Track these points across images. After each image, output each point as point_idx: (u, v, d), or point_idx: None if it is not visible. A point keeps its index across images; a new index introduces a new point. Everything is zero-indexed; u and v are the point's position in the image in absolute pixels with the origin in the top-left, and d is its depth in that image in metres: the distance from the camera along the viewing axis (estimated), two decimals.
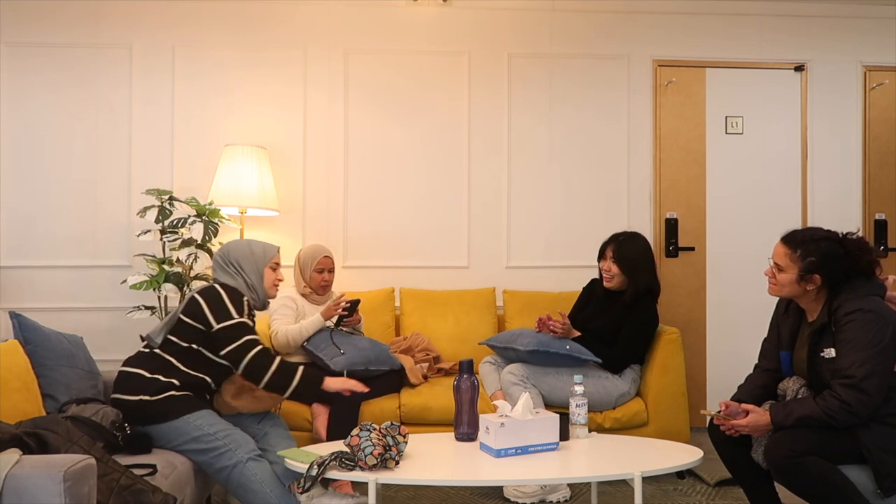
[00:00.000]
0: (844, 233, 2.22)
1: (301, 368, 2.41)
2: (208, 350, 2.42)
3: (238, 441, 2.31)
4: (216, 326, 2.37)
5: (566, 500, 2.85)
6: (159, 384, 2.34)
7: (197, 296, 2.42)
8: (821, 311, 2.19)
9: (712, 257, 4.10)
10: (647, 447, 2.38)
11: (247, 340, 2.36)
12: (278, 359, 2.38)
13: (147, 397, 2.31)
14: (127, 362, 2.43)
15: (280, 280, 2.65)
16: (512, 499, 2.84)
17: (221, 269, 2.55)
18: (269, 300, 2.65)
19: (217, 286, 2.45)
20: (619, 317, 3.06)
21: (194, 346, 2.41)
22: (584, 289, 3.35)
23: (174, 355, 2.39)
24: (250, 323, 2.44)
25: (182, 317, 2.41)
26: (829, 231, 2.23)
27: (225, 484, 2.33)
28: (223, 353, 2.37)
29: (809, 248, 2.18)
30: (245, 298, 2.47)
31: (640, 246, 3.14)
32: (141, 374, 2.36)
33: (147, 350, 2.44)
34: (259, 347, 2.37)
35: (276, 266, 2.63)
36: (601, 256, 3.18)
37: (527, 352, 2.95)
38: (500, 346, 3.11)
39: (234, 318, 2.38)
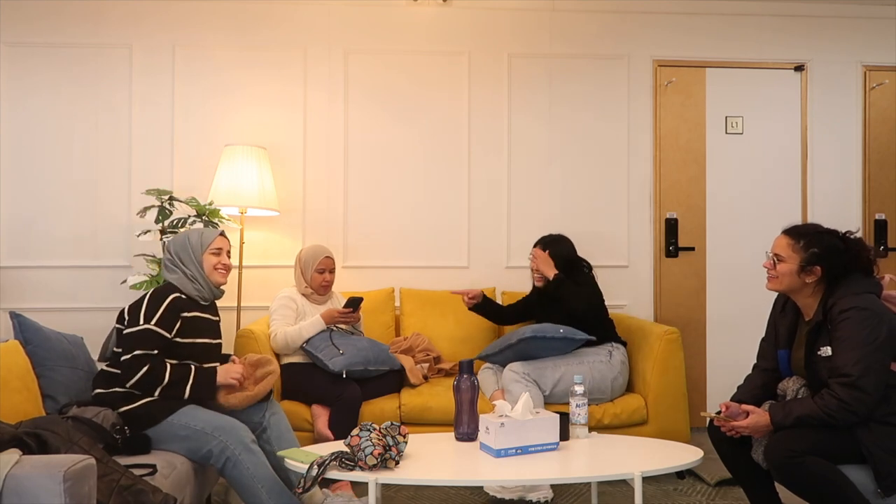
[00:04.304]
0: (845, 231, 2.24)
1: (192, 374, 2.34)
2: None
3: (228, 431, 2.28)
4: (124, 331, 2.34)
5: (546, 501, 2.84)
6: (124, 394, 2.32)
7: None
8: (816, 309, 2.20)
9: (712, 257, 4.10)
10: (647, 447, 2.38)
11: (134, 357, 2.28)
12: (167, 373, 2.30)
13: (126, 407, 2.30)
14: (94, 384, 2.41)
15: (224, 264, 2.55)
16: (491, 493, 2.84)
17: (165, 264, 2.55)
18: (222, 287, 2.57)
19: (149, 292, 2.42)
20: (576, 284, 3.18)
21: None
22: (528, 296, 3.51)
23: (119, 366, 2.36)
24: (155, 330, 2.32)
25: (117, 326, 2.42)
26: (829, 228, 2.26)
27: (222, 476, 2.33)
28: (121, 360, 2.31)
29: (812, 239, 2.20)
30: (172, 296, 2.40)
31: (556, 236, 3.36)
32: (104, 393, 2.34)
33: (104, 366, 2.45)
34: (146, 368, 2.27)
35: (217, 251, 2.54)
36: (531, 260, 3.36)
37: (524, 339, 2.97)
38: (496, 351, 3.11)
39: (138, 325, 2.32)
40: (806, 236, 2.22)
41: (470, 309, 3.45)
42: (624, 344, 3.23)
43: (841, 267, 2.17)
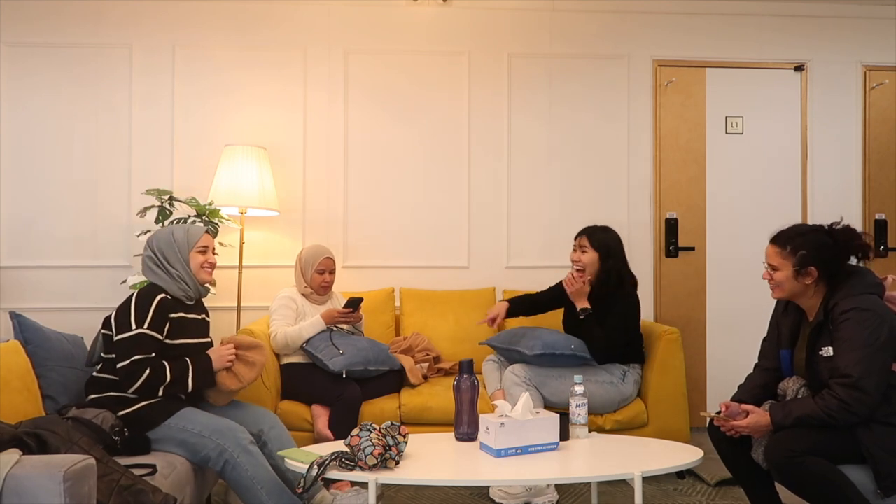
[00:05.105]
0: (830, 223, 2.24)
1: (191, 366, 2.35)
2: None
3: (226, 434, 2.28)
4: (115, 338, 2.31)
5: None
6: (119, 398, 2.31)
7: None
8: (818, 310, 2.20)
9: (712, 257, 4.10)
10: (647, 447, 2.38)
11: (134, 362, 2.26)
12: (168, 373, 2.29)
13: (125, 410, 2.28)
14: (87, 390, 2.39)
15: (211, 263, 2.52)
16: (497, 499, 2.83)
17: (146, 264, 2.47)
18: (208, 285, 2.54)
19: (134, 294, 2.38)
20: (601, 310, 3.04)
21: None
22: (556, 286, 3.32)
23: (112, 372, 2.34)
24: (149, 333, 2.31)
25: (104, 332, 2.40)
26: (814, 225, 2.26)
27: (222, 479, 2.32)
28: (117, 367, 2.28)
29: (798, 242, 2.20)
30: (158, 297, 2.36)
31: (612, 235, 3.15)
32: (100, 398, 2.33)
33: (95, 372, 2.41)
34: (147, 372, 2.26)
35: (204, 249, 2.50)
36: (573, 249, 3.17)
37: (533, 356, 2.93)
38: (503, 346, 3.10)
39: (131, 330, 2.29)
40: (791, 240, 2.21)
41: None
42: (642, 362, 3.15)
43: (835, 261, 2.17)
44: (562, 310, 3.33)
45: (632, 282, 3.13)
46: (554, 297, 3.32)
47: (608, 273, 3.07)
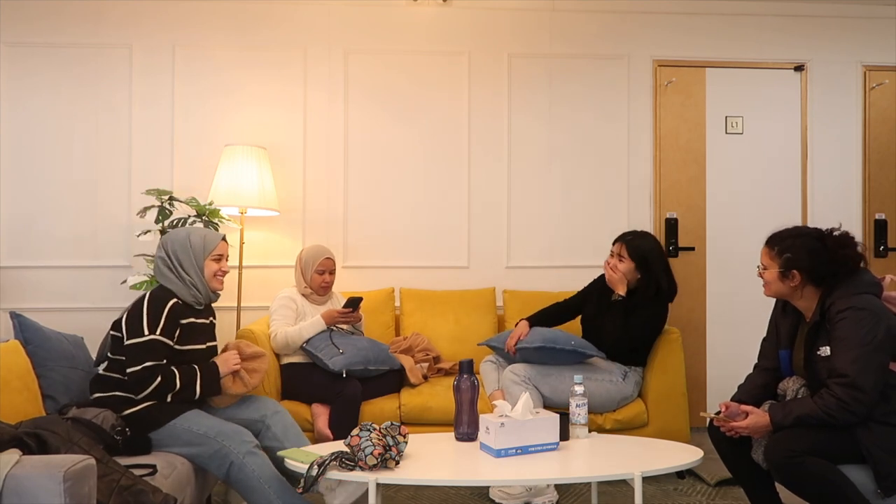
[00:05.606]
0: (829, 229, 2.24)
1: (199, 373, 2.36)
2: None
3: (231, 436, 2.28)
4: (126, 342, 2.31)
5: None
6: (125, 398, 2.32)
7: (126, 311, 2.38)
8: (815, 310, 2.20)
9: (712, 257, 4.10)
10: (647, 447, 2.38)
11: (145, 368, 2.27)
12: (177, 380, 2.31)
13: (130, 409, 2.29)
14: (92, 388, 2.39)
15: (224, 272, 2.52)
16: (497, 500, 2.83)
17: (158, 266, 2.45)
18: (218, 292, 2.53)
19: (146, 297, 2.37)
20: (630, 305, 3.00)
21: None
22: (591, 284, 3.30)
23: (119, 373, 2.34)
24: (161, 339, 2.31)
25: (112, 333, 2.39)
26: (812, 228, 2.27)
27: (227, 482, 2.32)
28: (128, 371, 2.29)
29: (786, 244, 2.22)
30: (171, 303, 2.36)
31: (650, 242, 3.10)
32: (105, 397, 2.33)
33: (100, 370, 2.41)
34: (158, 379, 2.27)
35: (219, 257, 2.49)
36: (610, 255, 3.12)
37: (533, 348, 2.94)
38: (501, 346, 3.10)
39: (143, 336, 2.29)
40: (781, 242, 2.24)
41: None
42: (645, 365, 3.13)
43: (821, 267, 2.17)
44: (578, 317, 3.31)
45: (669, 290, 3.04)
46: (572, 306, 3.28)
47: (647, 283, 3.01)
